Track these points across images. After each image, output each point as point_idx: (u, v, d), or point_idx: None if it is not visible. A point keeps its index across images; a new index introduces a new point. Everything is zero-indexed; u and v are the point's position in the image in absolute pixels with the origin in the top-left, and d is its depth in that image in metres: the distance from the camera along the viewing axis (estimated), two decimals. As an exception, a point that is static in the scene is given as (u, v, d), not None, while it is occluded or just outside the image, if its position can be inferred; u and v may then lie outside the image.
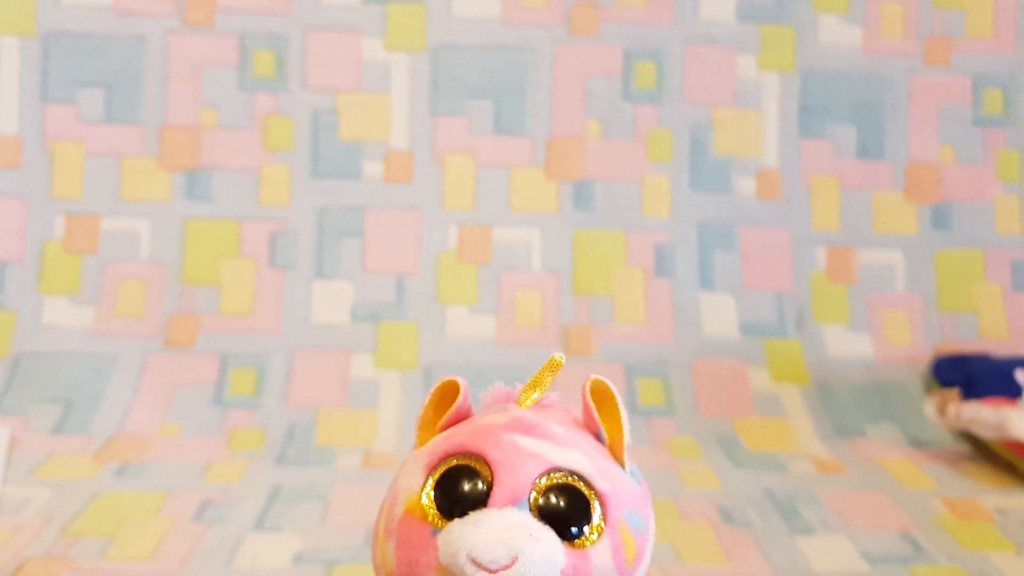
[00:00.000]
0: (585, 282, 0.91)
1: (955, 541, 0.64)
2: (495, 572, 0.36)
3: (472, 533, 0.36)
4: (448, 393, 0.41)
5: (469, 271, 0.91)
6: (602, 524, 0.38)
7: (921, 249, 0.94)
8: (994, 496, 0.72)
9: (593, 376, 0.40)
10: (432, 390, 0.41)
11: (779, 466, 0.77)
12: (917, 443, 0.83)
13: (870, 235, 0.94)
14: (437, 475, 0.38)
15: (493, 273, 0.91)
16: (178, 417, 0.82)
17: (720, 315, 0.91)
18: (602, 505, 0.38)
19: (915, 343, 0.92)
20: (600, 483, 0.38)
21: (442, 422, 0.40)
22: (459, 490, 0.38)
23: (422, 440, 0.41)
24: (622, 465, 0.40)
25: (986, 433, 0.76)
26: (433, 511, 0.38)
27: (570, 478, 0.38)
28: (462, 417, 0.41)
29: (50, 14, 0.91)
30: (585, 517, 0.38)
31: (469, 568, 0.36)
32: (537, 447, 0.38)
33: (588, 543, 0.37)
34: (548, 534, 0.37)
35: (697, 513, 0.68)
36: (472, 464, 0.38)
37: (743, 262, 0.93)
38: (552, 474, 0.38)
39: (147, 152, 0.90)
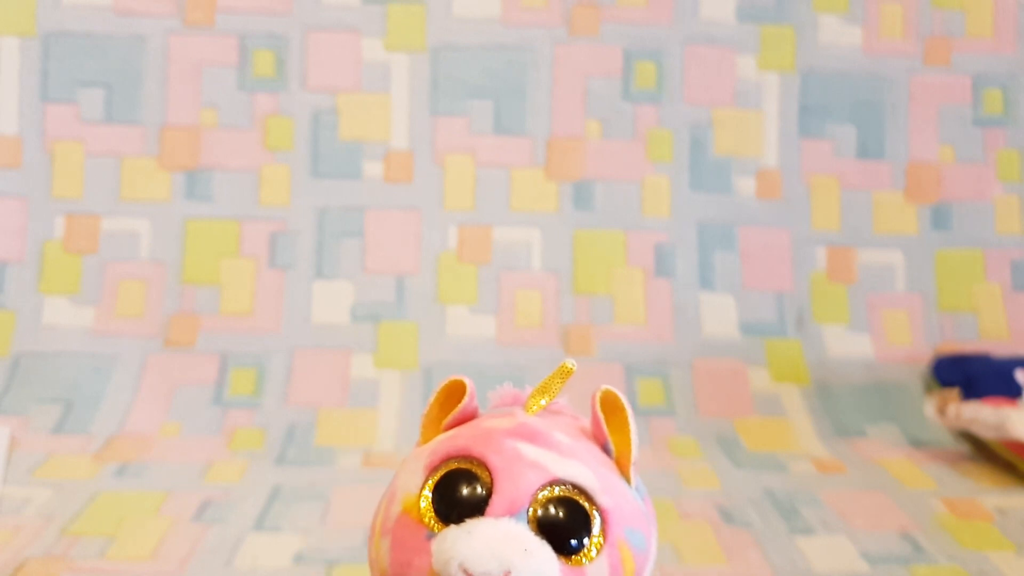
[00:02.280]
0: (585, 282, 0.91)
1: (955, 541, 0.64)
2: None
3: (464, 543, 0.35)
4: (454, 392, 0.40)
5: (469, 271, 0.91)
6: (601, 540, 0.37)
7: (921, 249, 0.94)
8: (994, 496, 0.72)
9: (604, 386, 0.39)
10: (438, 388, 0.40)
11: (779, 466, 0.77)
12: (917, 443, 0.83)
13: (870, 235, 0.94)
14: (436, 477, 0.38)
15: (493, 273, 0.91)
16: (178, 417, 0.82)
17: (720, 315, 0.91)
18: (603, 521, 0.37)
19: (915, 343, 0.92)
20: (602, 498, 0.37)
21: (447, 421, 0.40)
22: (458, 494, 0.37)
23: (425, 438, 0.40)
24: (628, 480, 0.39)
25: (986, 433, 0.76)
26: (430, 514, 0.37)
27: (571, 491, 0.37)
28: (468, 417, 0.40)
29: (50, 14, 0.91)
30: (584, 532, 0.37)
31: None
32: (540, 456, 0.37)
33: (586, 559, 0.37)
34: (543, 548, 0.36)
35: (697, 513, 0.68)
36: (473, 468, 0.37)
37: (743, 262, 0.93)
38: (553, 487, 0.37)
39: (147, 152, 0.90)
